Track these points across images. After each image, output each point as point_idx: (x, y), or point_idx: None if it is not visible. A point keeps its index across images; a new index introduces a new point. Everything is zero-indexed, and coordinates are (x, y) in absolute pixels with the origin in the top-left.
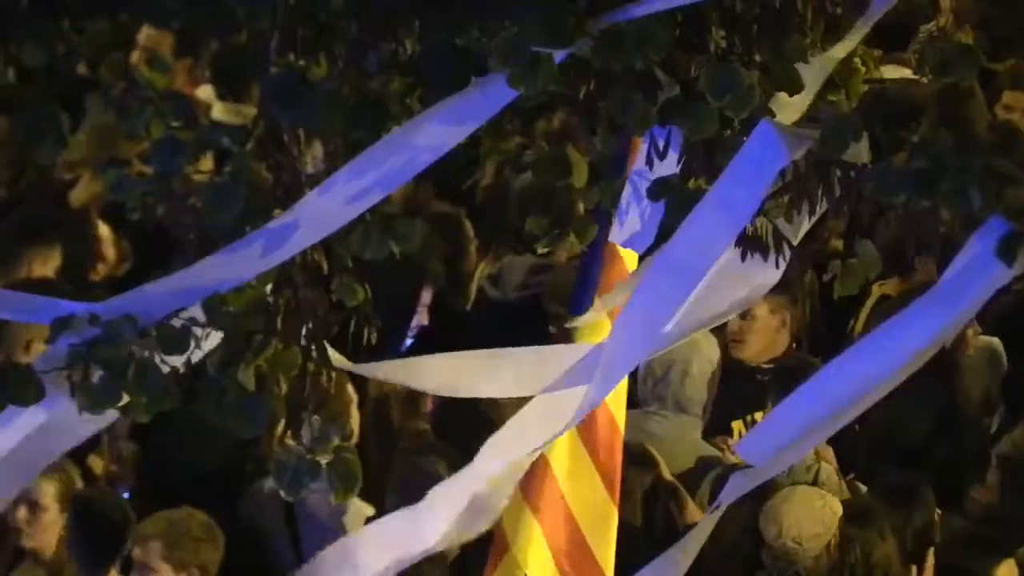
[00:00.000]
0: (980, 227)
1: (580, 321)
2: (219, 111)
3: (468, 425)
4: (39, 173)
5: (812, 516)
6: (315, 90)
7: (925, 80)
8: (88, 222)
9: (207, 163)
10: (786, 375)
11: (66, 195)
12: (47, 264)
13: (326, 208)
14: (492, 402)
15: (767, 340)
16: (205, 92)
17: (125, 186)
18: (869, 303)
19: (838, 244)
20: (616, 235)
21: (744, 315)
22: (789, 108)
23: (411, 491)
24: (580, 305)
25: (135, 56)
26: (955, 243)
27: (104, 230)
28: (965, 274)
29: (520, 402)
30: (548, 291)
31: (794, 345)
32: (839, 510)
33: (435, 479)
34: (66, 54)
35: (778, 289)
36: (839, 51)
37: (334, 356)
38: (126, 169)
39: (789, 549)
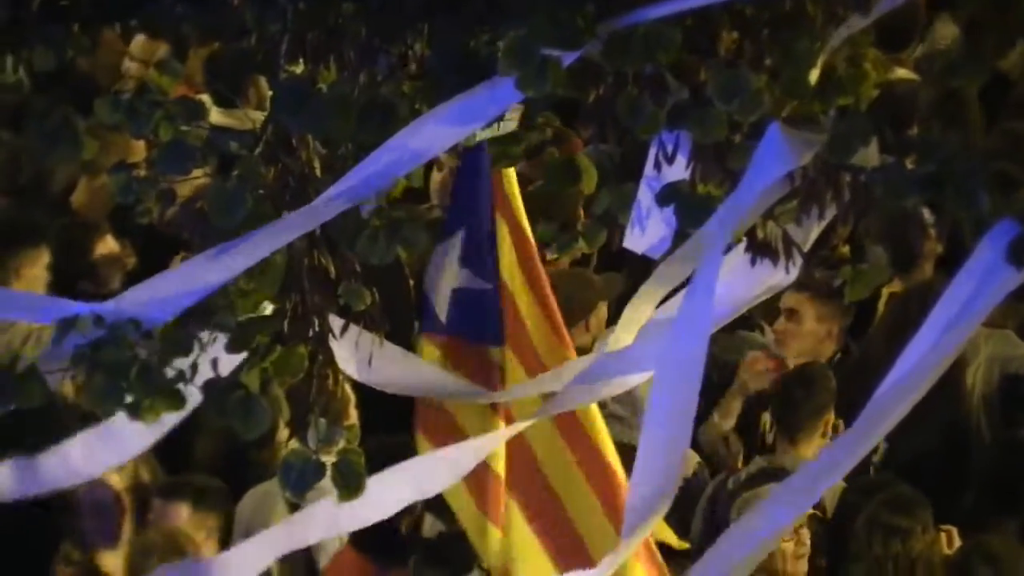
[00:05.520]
0: (990, 231)
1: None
2: (216, 116)
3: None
4: (37, 177)
5: None
6: (325, 95)
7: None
8: (87, 234)
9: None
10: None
11: (66, 199)
12: (36, 265)
13: (326, 204)
14: None
15: (809, 346)
16: (206, 98)
17: (133, 189)
18: (881, 304)
19: (845, 250)
20: (633, 241)
21: (790, 317)
22: None
23: None
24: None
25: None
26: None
27: (108, 245)
28: (976, 279)
29: None
30: None
31: (839, 355)
32: None
33: None
34: (74, 59)
35: (831, 297)
36: (835, 40)
37: None
38: (134, 172)
39: None
